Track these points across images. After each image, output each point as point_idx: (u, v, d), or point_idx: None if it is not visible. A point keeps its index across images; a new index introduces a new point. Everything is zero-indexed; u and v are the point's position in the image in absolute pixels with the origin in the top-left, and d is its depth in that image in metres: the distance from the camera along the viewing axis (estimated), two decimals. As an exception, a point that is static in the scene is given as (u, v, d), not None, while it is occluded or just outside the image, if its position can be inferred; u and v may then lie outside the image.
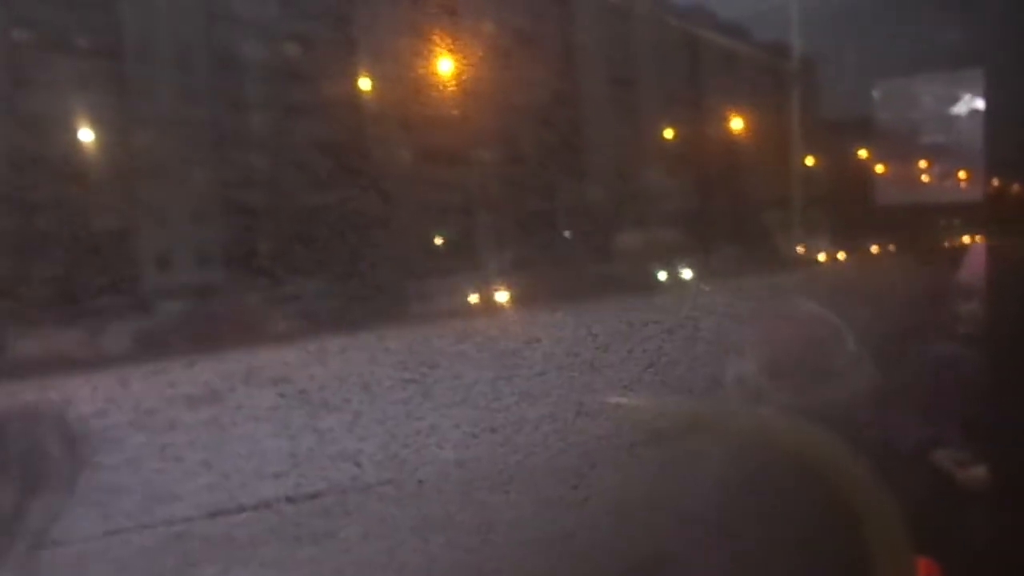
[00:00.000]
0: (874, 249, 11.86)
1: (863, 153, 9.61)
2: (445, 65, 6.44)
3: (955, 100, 6.15)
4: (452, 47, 6.31)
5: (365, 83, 9.01)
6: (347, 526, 4.98)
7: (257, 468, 5.33)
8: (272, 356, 7.00)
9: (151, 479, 5.25)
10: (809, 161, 11.78)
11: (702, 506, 4.63)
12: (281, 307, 8.09)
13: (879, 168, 7.50)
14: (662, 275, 10.49)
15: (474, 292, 9.51)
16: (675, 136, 11.84)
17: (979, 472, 3.50)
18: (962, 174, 6.25)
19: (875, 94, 6.66)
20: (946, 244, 8.89)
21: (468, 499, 5.03)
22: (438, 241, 10.44)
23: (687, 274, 10.46)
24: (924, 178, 6.76)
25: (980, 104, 5.52)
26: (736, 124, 11.81)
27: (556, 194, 10.28)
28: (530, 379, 5.70)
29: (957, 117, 6.14)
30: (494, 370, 5.86)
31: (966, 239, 7.86)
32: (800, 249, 11.87)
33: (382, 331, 7.28)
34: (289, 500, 5.07)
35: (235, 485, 5.20)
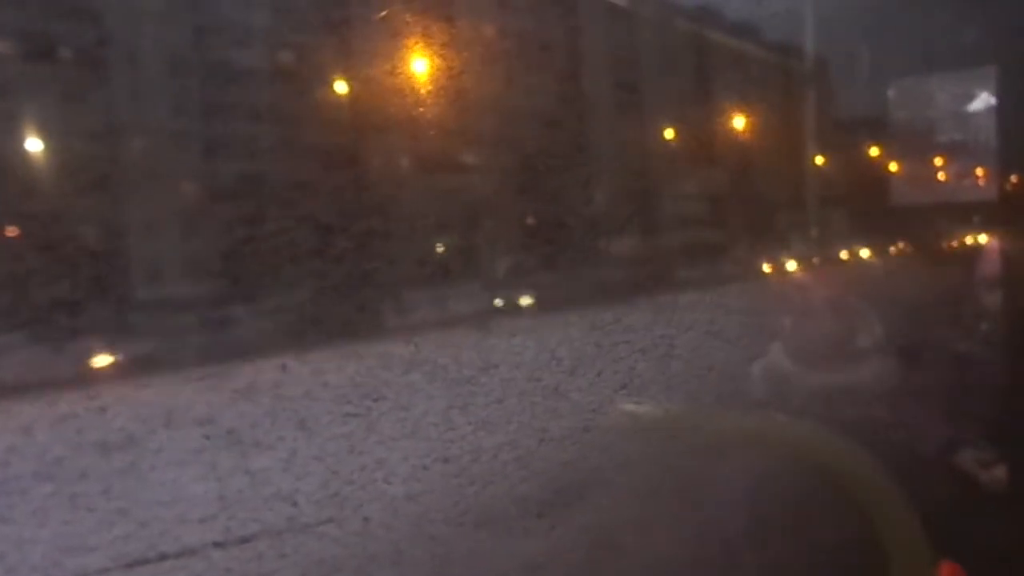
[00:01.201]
0: (893, 249, 12.04)
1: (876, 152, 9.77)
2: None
3: (970, 98, 6.20)
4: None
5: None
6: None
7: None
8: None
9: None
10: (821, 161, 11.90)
11: (688, 530, 4.48)
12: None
13: (893, 167, 7.45)
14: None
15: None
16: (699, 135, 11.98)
17: (1003, 473, 3.55)
18: (979, 171, 6.26)
19: (890, 93, 6.74)
20: (962, 242, 9.02)
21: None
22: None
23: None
24: (940, 176, 6.73)
25: (994, 101, 5.71)
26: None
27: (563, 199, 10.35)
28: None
29: (973, 115, 6.20)
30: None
31: (981, 237, 8.07)
32: (817, 249, 12.04)
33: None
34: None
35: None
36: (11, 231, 7.67)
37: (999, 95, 5.85)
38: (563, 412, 5.54)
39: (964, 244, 9.09)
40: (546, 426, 5.45)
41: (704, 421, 3.16)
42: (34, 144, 8.27)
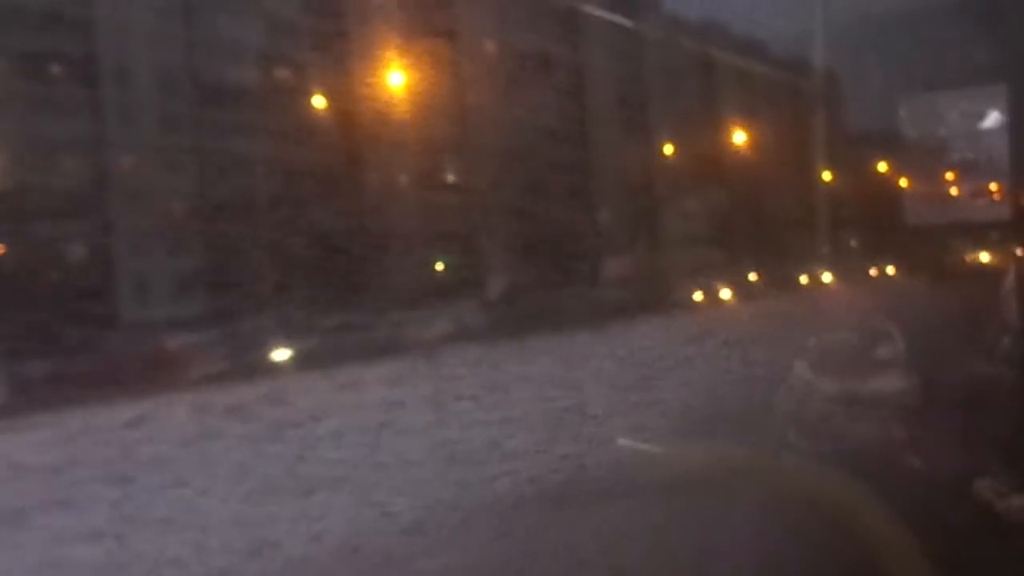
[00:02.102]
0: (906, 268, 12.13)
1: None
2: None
3: (982, 116, 6.42)
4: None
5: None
6: None
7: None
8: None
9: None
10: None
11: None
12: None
13: (904, 184, 7.87)
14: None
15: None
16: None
17: (1019, 502, 3.56)
18: (992, 187, 6.52)
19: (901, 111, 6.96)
20: (975, 260, 9.21)
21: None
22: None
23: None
24: (953, 192, 6.96)
25: (1006, 118, 5.98)
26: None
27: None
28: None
29: (986, 132, 6.42)
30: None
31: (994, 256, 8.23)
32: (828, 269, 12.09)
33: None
34: None
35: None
36: None
37: (1011, 112, 6.11)
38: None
39: (977, 263, 9.25)
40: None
41: (703, 459, 3.28)
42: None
